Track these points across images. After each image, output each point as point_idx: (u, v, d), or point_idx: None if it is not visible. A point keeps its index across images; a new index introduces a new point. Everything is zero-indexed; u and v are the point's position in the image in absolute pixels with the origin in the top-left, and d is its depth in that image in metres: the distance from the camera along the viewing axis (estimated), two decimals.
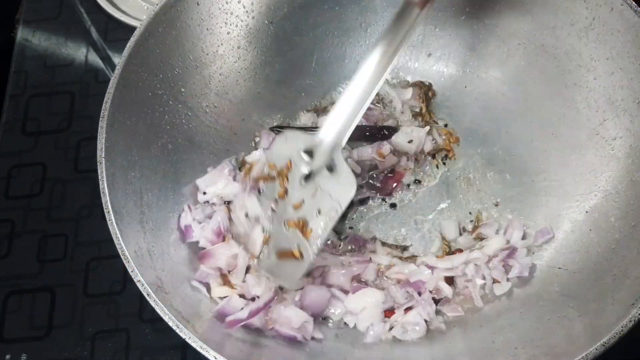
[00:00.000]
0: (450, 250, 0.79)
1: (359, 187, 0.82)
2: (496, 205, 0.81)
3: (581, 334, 0.61)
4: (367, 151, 0.82)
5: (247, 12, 0.81)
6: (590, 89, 0.75)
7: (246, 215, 0.74)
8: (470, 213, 0.81)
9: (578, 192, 0.75)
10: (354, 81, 0.67)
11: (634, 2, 0.69)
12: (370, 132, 0.84)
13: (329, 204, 0.67)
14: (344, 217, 0.81)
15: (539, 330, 0.66)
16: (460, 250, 0.78)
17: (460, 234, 0.80)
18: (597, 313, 0.62)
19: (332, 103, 0.88)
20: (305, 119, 0.88)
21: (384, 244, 0.80)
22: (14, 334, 0.81)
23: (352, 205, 0.81)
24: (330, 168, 0.68)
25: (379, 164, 0.83)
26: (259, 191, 0.73)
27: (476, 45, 0.86)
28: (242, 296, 0.71)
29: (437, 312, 0.73)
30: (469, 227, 0.80)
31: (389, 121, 0.86)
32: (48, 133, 0.94)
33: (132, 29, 0.75)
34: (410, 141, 0.83)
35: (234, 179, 0.79)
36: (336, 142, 0.68)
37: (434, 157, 0.85)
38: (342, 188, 0.67)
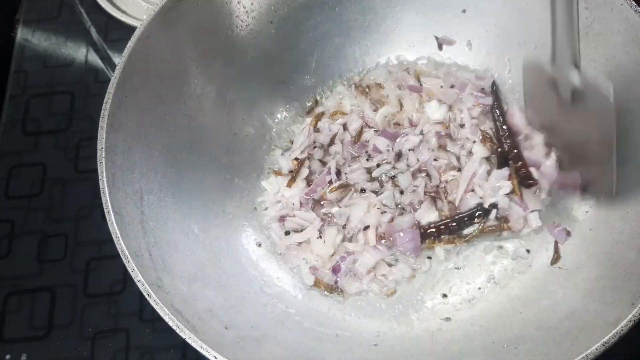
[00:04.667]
0: None
1: None
2: None
3: (581, 334, 0.61)
4: None
5: (247, 12, 0.81)
6: None
7: None
8: None
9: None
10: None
11: (634, 2, 0.69)
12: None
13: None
14: None
15: (539, 329, 0.66)
16: None
17: None
18: (597, 313, 0.62)
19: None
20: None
21: None
22: (14, 334, 0.81)
23: None
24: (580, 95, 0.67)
25: None
26: None
27: (476, 45, 0.87)
28: None
29: None
30: None
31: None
32: (48, 133, 0.94)
33: (132, 29, 0.75)
34: None
35: None
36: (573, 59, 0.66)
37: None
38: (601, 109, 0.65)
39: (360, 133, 0.85)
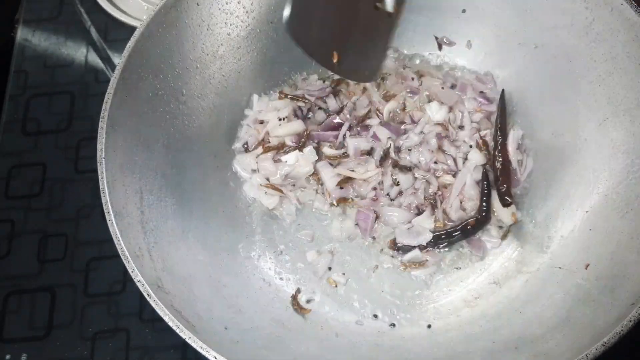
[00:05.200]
0: None
1: None
2: None
3: (581, 334, 0.61)
4: None
5: (247, 12, 0.81)
6: (590, 89, 0.75)
7: None
8: None
9: (578, 192, 0.75)
10: None
11: (633, 2, 0.69)
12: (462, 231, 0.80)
13: None
14: None
15: (539, 330, 0.66)
16: None
17: None
18: (597, 313, 0.62)
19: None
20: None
21: None
22: (14, 334, 0.81)
23: None
24: None
25: None
26: None
27: (475, 45, 0.87)
28: None
29: None
30: None
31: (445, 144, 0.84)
32: (48, 133, 0.94)
33: (132, 29, 0.75)
34: None
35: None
36: None
37: None
38: None
39: (365, 117, 0.86)
